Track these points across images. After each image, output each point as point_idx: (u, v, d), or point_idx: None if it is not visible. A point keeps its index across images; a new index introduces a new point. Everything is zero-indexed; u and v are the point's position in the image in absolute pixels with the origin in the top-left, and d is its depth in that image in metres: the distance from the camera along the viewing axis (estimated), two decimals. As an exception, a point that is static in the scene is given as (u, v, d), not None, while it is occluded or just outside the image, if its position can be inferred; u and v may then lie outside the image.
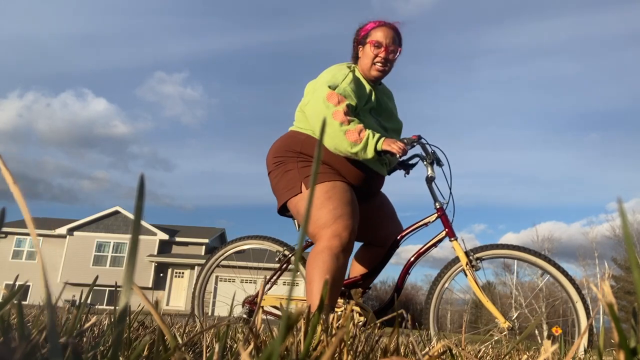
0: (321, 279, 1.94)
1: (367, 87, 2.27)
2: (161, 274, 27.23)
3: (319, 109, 2.08)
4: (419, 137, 2.38)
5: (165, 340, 0.58)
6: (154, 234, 27.38)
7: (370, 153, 2.06)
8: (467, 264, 2.28)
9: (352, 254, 2.17)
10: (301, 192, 2.15)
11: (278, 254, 2.70)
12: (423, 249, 2.40)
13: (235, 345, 0.86)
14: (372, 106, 2.29)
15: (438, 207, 2.37)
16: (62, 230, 27.16)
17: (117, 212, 28.29)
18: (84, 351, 0.58)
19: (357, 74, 2.27)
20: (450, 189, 2.39)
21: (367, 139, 2.04)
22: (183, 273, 27.19)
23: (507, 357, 1.17)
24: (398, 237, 2.41)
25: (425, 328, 2.28)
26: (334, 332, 0.74)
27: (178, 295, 26.71)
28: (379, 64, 2.25)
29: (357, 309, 2.35)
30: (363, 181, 2.24)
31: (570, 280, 2.20)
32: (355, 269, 2.51)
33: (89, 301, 0.87)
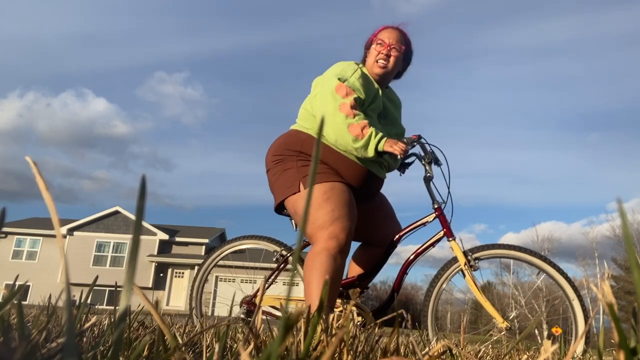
0: (319, 280, 1.94)
1: (375, 86, 2.30)
2: (161, 274, 27.23)
3: (327, 100, 2.09)
4: (419, 137, 2.38)
5: (165, 340, 0.58)
6: (154, 234, 27.37)
7: (370, 152, 2.06)
8: (465, 264, 2.28)
9: (350, 254, 2.17)
10: (299, 191, 2.15)
11: (275, 254, 2.69)
12: (421, 249, 2.39)
13: (235, 345, 0.86)
14: (379, 110, 2.30)
15: (436, 207, 2.37)
16: (62, 230, 27.09)
17: (117, 212, 28.28)
18: (84, 351, 0.58)
19: (365, 72, 2.31)
20: (448, 188, 2.39)
21: (370, 136, 2.04)
22: (183, 273, 27.18)
23: (507, 357, 1.17)
24: (395, 237, 2.41)
25: (423, 328, 2.28)
26: (334, 332, 0.74)
27: (178, 295, 26.71)
28: (381, 61, 2.28)
29: (355, 309, 2.35)
30: (362, 183, 2.23)
31: (566, 278, 2.22)
32: (352, 269, 2.50)
33: (89, 301, 0.87)
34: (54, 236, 27.27)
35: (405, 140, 2.26)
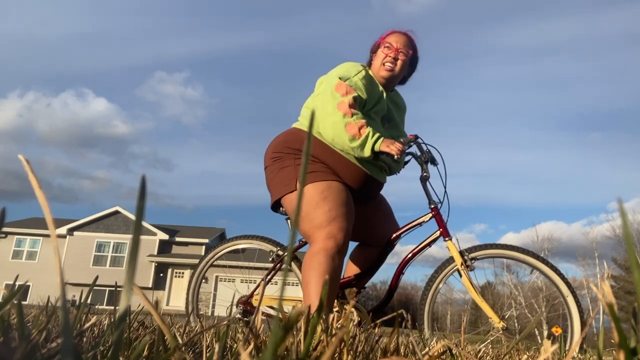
0: (318, 280, 1.93)
1: (380, 89, 2.30)
2: (161, 274, 27.22)
3: (326, 98, 2.09)
4: (416, 137, 2.37)
5: (165, 340, 0.58)
6: (154, 234, 27.37)
7: (367, 152, 2.06)
8: (461, 264, 2.28)
9: (347, 254, 2.17)
10: (296, 190, 2.14)
11: (272, 253, 2.69)
12: (417, 248, 2.39)
13: (235, 345, 0.86)
14: (383, 112, 2.30)
15: (432, 206, 2.37)
16: (62, 230, 27.14)
17: (117, 212, 28.28)
18: (84, 351, 0.58)
19: (371, 74, 2.31)
20: (445, 188, 2.39)
21: (367, 136, 2.04)
22: (183, 273, 27.18)
23: (507, 357, 1.17)
24: (392, 237, 2.42)
25: (420, 328, 2.28)
26: (333, 332, 0.74)
27: (178, 295, 26.69)
28: (389, 64, 2.28)
29: (353, 309, 2.35)
30: (361, 185, 2.23)
31: (560, 275, 2.24)
32: (350, 269, 2.50)
33: (89, 301, 0.87)
34: (54, 236, 27.24)
35: (402, 140, 2.25)
